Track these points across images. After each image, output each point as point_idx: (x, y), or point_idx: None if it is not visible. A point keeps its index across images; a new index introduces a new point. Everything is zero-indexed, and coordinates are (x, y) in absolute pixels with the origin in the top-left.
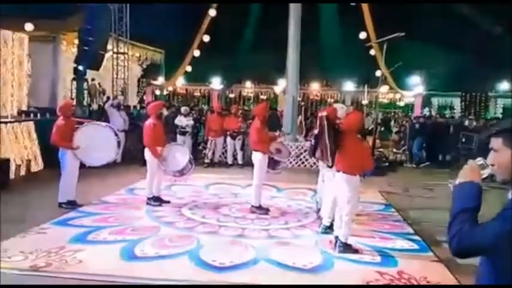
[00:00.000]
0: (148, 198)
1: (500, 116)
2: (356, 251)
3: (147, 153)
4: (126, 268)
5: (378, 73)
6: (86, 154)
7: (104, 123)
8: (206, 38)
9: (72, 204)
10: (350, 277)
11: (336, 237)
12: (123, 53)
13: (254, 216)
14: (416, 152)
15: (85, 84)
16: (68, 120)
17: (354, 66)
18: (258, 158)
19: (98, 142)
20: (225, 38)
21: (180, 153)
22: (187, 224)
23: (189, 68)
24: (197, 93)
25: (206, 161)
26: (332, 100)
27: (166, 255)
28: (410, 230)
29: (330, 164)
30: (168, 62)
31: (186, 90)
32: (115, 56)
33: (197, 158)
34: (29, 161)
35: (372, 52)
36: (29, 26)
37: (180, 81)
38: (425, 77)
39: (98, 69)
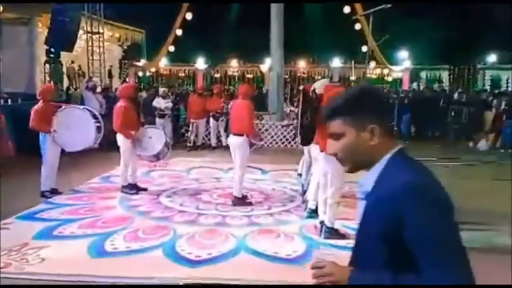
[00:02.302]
0: (123, 186)
1: (488, 88)
2: (343, 236)
3: (120, 138)
4: (93, 266)
5: (365, 48)
6: (64, 139)
7: (81, 106)
8: (189, 16)
9: (55, 193)
10: None
11: (321, 222)
12: (98, 33)
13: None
14: (404, 127)
15: (60, 66)
16: (47, 105)
17: (341, 42)
18: (242, 142)
19: (76, 126)
20: (208, 16)
21: (155, 136)
22: (164, 213)
23: (171, 48)
24: (182, 74)
25: (189, 144)
26: (319, 77)
27: (138, 250)
28: None
29: (299, 141)
30: (149, 42)
31: (170, 71)
32: (89, 36)
33: (179, 141)
34: None
35: (358, 26)
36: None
37: (163, 62)
38: (412, 51)
39: (71, 51)
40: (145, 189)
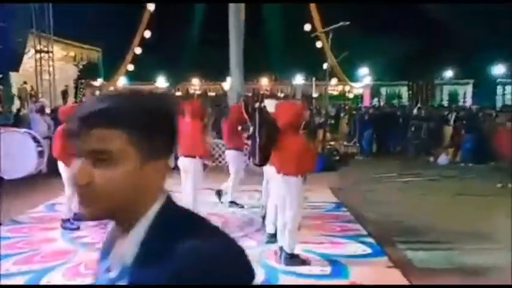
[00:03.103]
0: (64, 221)
1: (446, 102)
2: (304, 262)
3: (60, 166)
4: None
5: (326, 65)
6: (2, 166)
7: (22, 130)
8: (147, 34)
9: None
10: None
11: (281, 248)
12: (47, 52)
13: None
14: (365, 144)
15: (9, 87)
16: None
17: (302, 60)
18: (194, 164)
19: (15, 152)
20: (168, 34)
21: None
22: None
23: (131, 67)
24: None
25: None
26: (282, 94)
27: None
28: (363, 231)
29: (257, 162)
30: (107, 61)
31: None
32: (38, 55)
33: None
34: None
35: (319, 44)
36: None
37: (122, 81)
38: (372, 67)
39: (17, 70)
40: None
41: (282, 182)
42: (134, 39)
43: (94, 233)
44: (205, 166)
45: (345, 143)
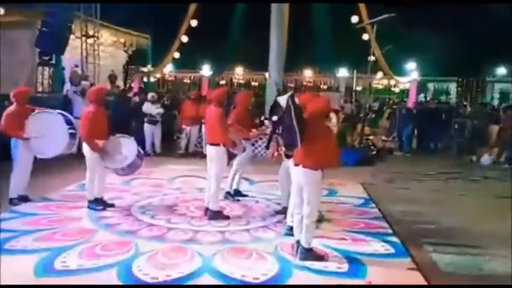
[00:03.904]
0: (89, 202)
1: (497, 101)
2: (320, 258)
3: (85, 148)
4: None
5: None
6: (37, 145)
7: (56, 111)
8: (193, 23)
9: (24, 200)
10: None
11: (297, 242)
12: (93, 36)
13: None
14: (405, 140)
15: (51, 69)
16: (21, 108)
17: (347, 52)
18: (217, 152)
19: (49, 132)
20: (213, 23)
21: (126, 146)
22: (131, 227)
23: (177, 55)
24: (187, 80)
25: (179, 151)
26: (325, 86)
27: (90, 269)
28: (389, 230)
29: (298, 145)
30: (155, 48)
31: (175, 77)
32: (84, 39)
33: (171, 148)
34: None
35: (366, 37)
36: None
37: (168, 68)
38: (420, 62)
39: (62, 53)
40: (112, 205)
41: (304, 175)
42: (181, 27)
43: (119, 213)
44: (232, 155)
45: (383, 137)
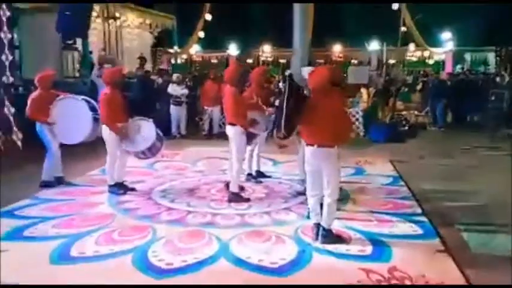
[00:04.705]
0: (110, 186)
1: None
2: (343, 240)
3: (105, 131)
4: (47, 275)
5: (403, 29)
6: (61, 131)
7: (80, 97)
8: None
9: (60, 182)
10: (325, 278)
11: (318, 225)
12: (114, 18)
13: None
14: (439, 114)
15: (75, 53)
16: (46, 92)
17: (378, 24)
18: (235, 132)
19: (72, 118)
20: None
21: (145, 129)
22: (150, 211)
23: (201, 34)
24: (214, 60)
25: (204, 133)
26: (356, 61)
27: (106, 255)
28: (418, 210)
29: (282, 134)
30: (180, 28)
31: (202, 57)
32: (105, 21)
33: (197, 129)
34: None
35: (395, 6)
36: None
37: (195, 48)
38: (456, 31)
39: (83, 37)
40: (133, 189)
41: (318, 154)
42: (204, 5)
43: (139, 197)
44: (251, 137)
45: (416, 112)
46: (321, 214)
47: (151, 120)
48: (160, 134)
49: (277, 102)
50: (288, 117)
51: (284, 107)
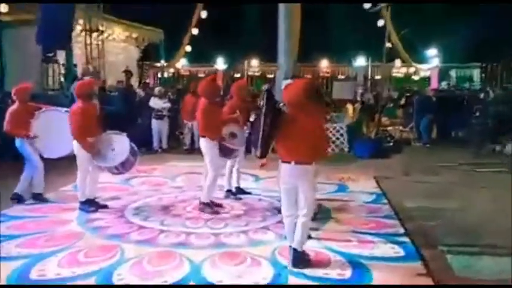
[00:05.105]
0: (81, 203)
1: None
2: (317, 263)
3: (76, 145)
4: None
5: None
6: (43, 144)
7: (64, 109)
8: (203, 14)
9: (36, 198)
10: None
11: (290, 247)
12: (97, 31)
13: (210, 216)
14: (423, 129)
15: (56, 65)
16: (24, 105)
17: (363, 40)
18: (206, 145)
19: (56, 131)
20: (224, 14)
21: (118, 143)
22: (121, 230)
23: (188, 48)
24: (201, 75)
25: (185, 147)
26: (343, 76)
27: (67, 278)
28: (400, 229)
29: (258, 154)
30: (167, 42)
31: (190, 71)
32: (88, 34)
33: (176, 144)
34: None
35: (381, 23)
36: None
37: (182, 63)
38: (441, 48)
39: (63, 49)
40: (105, 206)
41: (294, 171)
42: (191, 20)
43: (111, 215)
44: (230, 151)
45: (401, 128)
46: None
47: (124, 134)
48: (135, 148)
49: (252, 118)
50: (265, 136)
51: (261, 124)
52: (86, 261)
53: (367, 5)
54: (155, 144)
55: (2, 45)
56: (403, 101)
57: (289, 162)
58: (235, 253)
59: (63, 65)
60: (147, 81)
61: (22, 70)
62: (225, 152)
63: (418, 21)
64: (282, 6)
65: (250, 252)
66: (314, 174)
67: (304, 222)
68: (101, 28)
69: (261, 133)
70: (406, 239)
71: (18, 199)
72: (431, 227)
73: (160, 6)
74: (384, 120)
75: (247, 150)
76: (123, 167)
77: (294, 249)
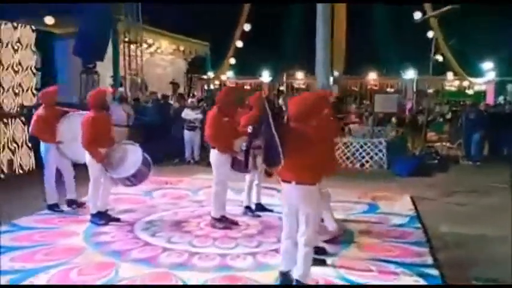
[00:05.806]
0: (92, 215)
1: None
2: None
3: (88, 156)
4: None
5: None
6: (70, 150)
7: None
8: (247, 27)
9: (70, 204)
10: None
11: (282, 274)
12: (135, 42)
13: (221, 234)
14: (473, 146)
15: (95, 76)
16: (51, 110)
17: (413, 52)
18: (214, 156)
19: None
20: (268, 26)
21: (131, 154)
22: (124, 246)
23: (232, 61)
24: (247, 87)
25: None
26: (392, 89)
27: None
28: (429, 259)
29: (280, 162)
30: (213, 54)
31: (236, 83)
32: (127, 45)
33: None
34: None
35: (430, 34)
36: (49, 20)
37: (228, 75)
38: (498, 60)
39: (101, 60)
40: (117, 219)
41: (295, 192)
42: (235, 32)
43: (119, 230)
44: (237, 161)
45: (448, 144)
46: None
47: (137, 144)
48: (149, 159)
49: (250, 129)
50: (282, 144)
51: (275, 133)
52: (78, 279)
53: (417, 16)
54: (187, 155)
55: (55, 56)
56: (449, 115)
57: (289, 182)
58: (235, 277)
59: (111, 76)
60: (195, 93)
61: (72, 80)
62: (239, 166)
63: (471, 33)
64: (319, 14)
65: (253, 278)
66: (318, 196)
67: (307, 252)
68: (140, 40)
69: (278, 142)
70: (434, 271)
71: (53, 209)
72: (466, 258)
73: (206, 19)
74: (431, 135)
75: (267, 164)
76: (136, 179)
77: (297, 280)
